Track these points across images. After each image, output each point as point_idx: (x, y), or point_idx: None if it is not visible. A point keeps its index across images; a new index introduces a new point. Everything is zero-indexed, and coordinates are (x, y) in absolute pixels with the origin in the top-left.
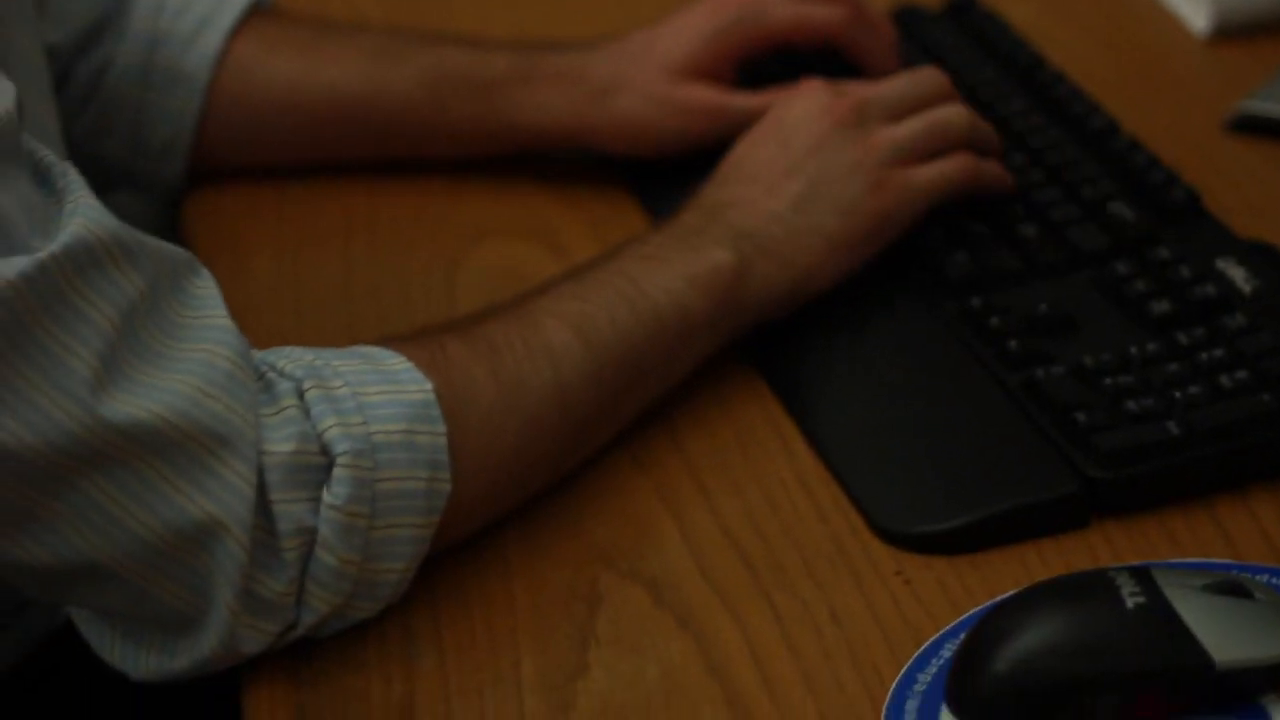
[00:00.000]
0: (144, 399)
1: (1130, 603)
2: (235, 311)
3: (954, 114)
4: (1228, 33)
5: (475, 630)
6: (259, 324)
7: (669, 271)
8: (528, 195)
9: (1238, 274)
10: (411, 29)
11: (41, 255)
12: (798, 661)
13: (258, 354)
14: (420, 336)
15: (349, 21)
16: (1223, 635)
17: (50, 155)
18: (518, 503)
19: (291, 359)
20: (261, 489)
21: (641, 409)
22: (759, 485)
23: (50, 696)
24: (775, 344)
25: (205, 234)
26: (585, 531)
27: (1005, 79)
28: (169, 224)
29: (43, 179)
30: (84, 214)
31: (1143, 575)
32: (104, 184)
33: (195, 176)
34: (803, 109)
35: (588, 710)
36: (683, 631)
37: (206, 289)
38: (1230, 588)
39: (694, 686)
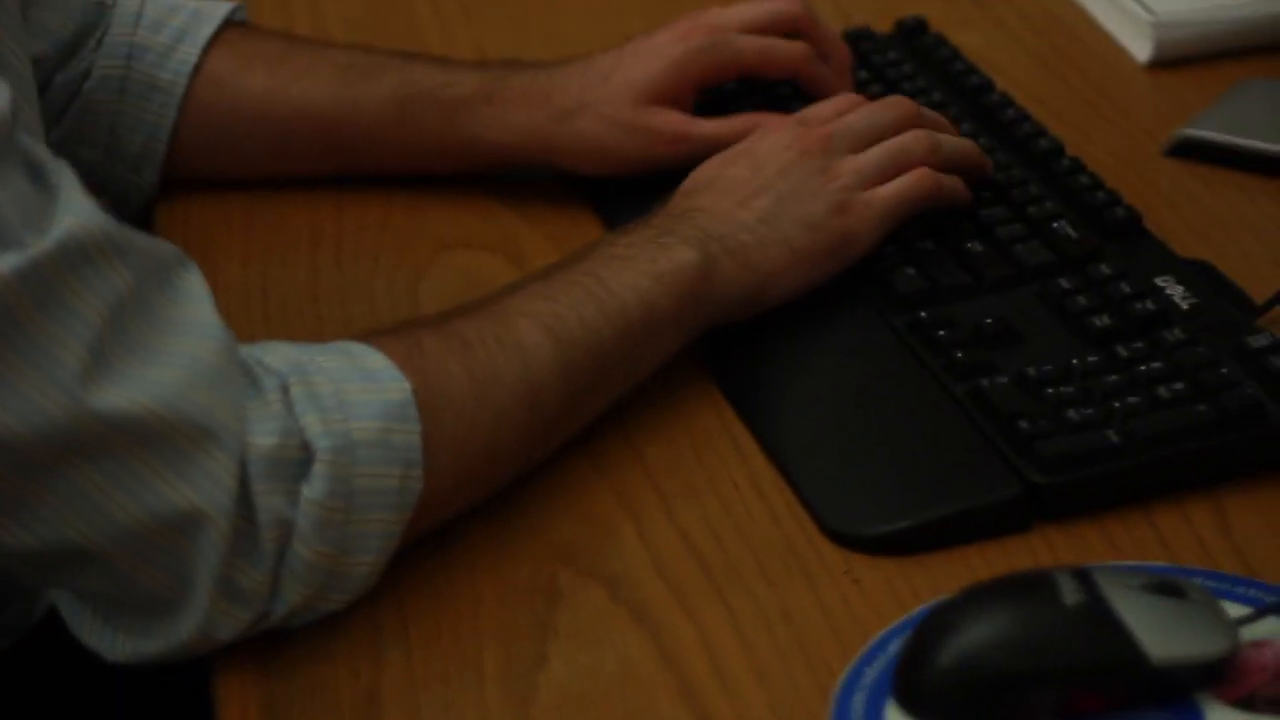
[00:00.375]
0: (132, 391)
1: (1070, 600)
2: None
3: (913, 140)
4: (1168, 61)
5: (440, 624)
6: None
7: (636, 270)
8: (491, 210)
9: (1176, 291)
10: (380, 47)
11: (34, 251)
12: (750, 656)
13: (244, 348)
14: (398, 331)
15: (319, 38)
16: (1158, 633)
17: (45, 152)
18: (486, 495)
19: (277, 354)
20: (244, 480)
21: (608, 405)
22: (714, 489)
23: (26, 688)
24: (730, 353)
25: (175, 241)
26: (546, 531)
27: (955, 102)
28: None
29: (36, 175)
30: (76, 211)
31: (1083, 575)
32: None
33: (168, 185)
34: (774, 141)
35: (547, 700)
36: (639, 626)
37: (194, 285)
38: (1166, 588)
39: (649, 678)
